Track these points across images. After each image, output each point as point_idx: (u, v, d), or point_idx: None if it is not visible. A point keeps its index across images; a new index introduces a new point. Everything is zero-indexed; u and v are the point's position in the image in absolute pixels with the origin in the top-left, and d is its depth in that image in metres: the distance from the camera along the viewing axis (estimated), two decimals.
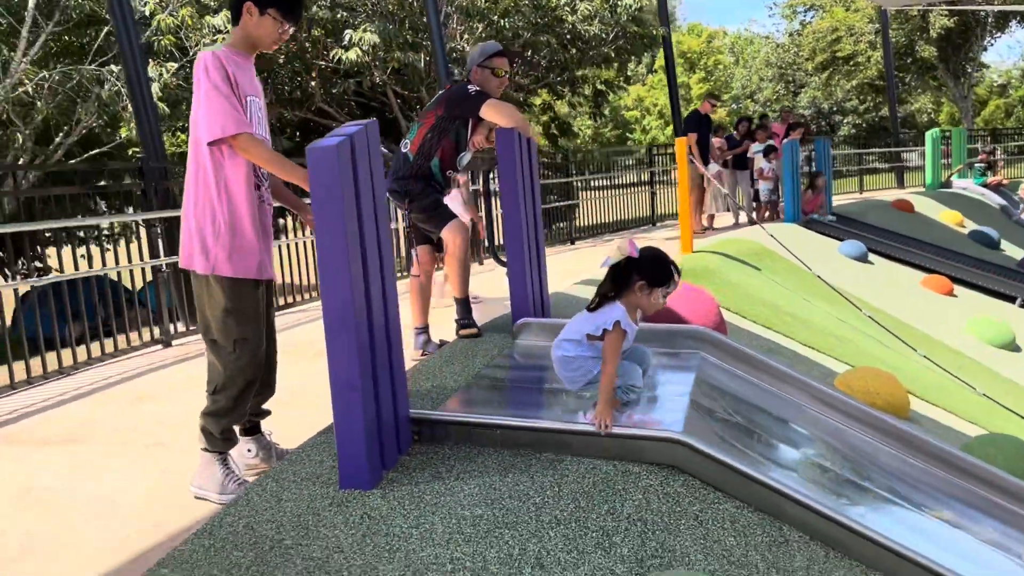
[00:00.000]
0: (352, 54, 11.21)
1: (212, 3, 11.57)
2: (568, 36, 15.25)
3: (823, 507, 2.56)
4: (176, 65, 11.07)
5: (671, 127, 22.00)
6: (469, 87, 4.35)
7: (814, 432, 3.63)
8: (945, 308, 9.13)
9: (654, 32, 16.29)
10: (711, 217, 12.05)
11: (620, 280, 3.02)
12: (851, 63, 32.02)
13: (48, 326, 5.21)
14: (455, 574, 2.09)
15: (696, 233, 11.13)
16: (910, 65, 31.91)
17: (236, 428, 3.00)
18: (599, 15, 15.51)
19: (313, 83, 13.54)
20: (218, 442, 2.89)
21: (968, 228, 13.48)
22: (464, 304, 4.48)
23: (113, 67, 11.13)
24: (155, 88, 10.58)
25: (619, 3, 15.62)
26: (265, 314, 2.95)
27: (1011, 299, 9.93)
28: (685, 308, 4.96)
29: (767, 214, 12.07)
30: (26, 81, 11.09)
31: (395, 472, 2.63)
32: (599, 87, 17.66)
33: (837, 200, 14.83)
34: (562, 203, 12.40)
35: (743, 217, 12.10)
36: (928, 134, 16.69)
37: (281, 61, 13.28)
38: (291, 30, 2.89)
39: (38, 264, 9.66)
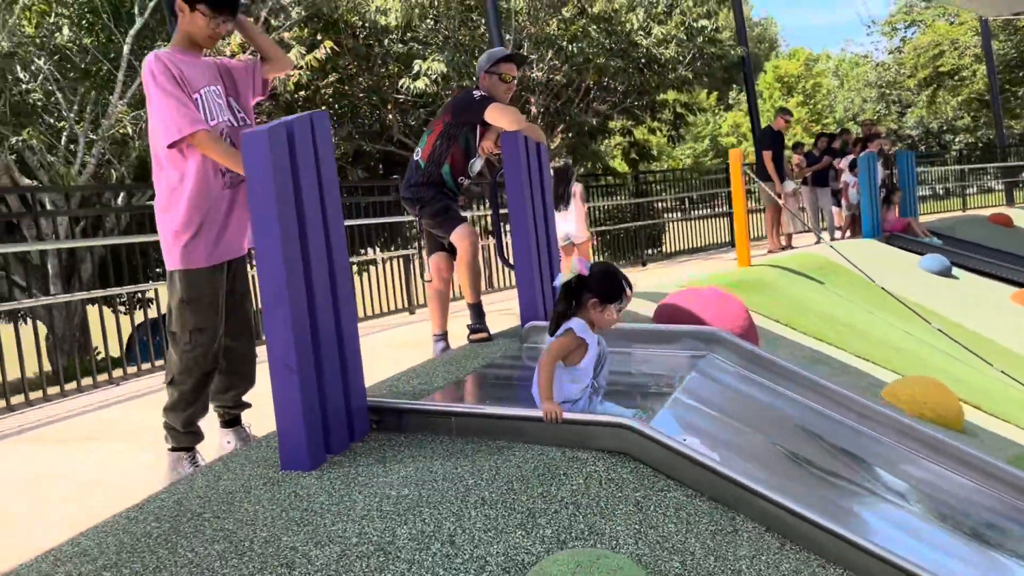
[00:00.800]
0: (420, 83, 11.48)
1: (292, 42, 12.09)
2: (643, 60, 15.18)
3: (775, 495, 2.40)
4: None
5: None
6: (474, 92, 4.38)
7: (810, 429, 3.44)
8: None
9: (732, 52, 16.05)
10: (789, 236, 11.67)
11: (573, 299, 2.99)
12: (956, 78, 30.57)
13: None
14: (359, 546, 2.06)
15: (772, 252, 10.80)
16: (1023, 78, 30.22)
17: (206, 423, 3.06)
18: (675, 38, 15.39)
19: (390, 116, 13.92)
20: (182, 437, 2.95)
21: None
22: (476, 309, 4.47)
23: None
24: None
25: (694, 25, 15.48)
26: (235, 305, 3.02)
27: None
28: (710, 313, 4.79)
29: (848, 233, 11.62)
30: (123, 120, 11.85)
31: (342, 456, 2.63)
32: (679, 110, 17.48)
33: (937, 218, 14.13)
34: (631, 224, 12.28)
35: (826, 236, 11.67)
36: None
37: (360, 95, 13.74)
38: (227, 24, 2.93)
39: None
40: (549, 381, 2.73)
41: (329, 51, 11.43)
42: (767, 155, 10.99)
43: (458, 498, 2.31)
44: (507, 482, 2.41)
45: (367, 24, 12.39)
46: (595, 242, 8.41)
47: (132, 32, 11.56)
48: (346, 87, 13.49)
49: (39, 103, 12.44)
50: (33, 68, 12.17)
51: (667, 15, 15.77)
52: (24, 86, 12.41)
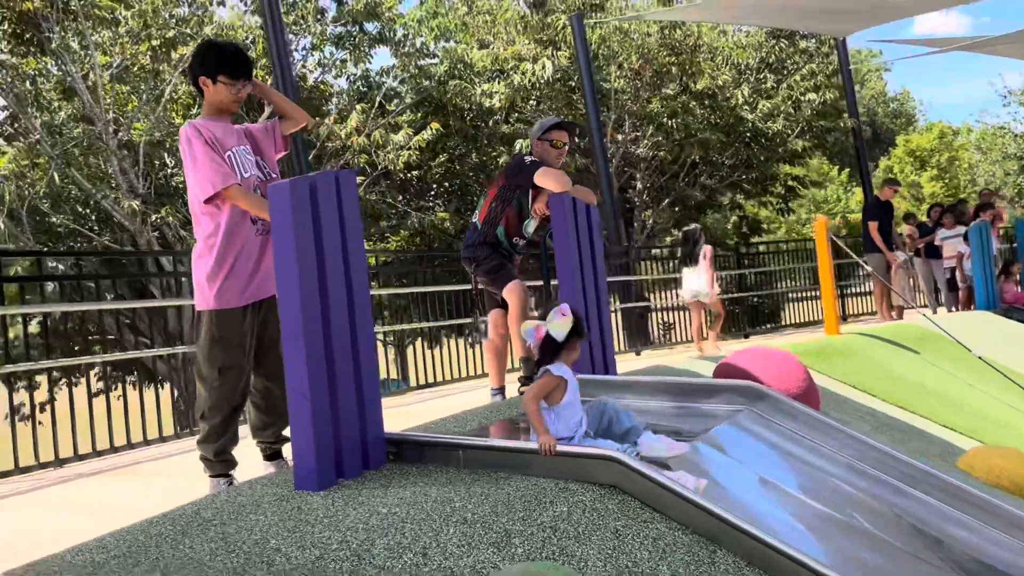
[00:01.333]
0: None
1: (401, 124, 12.91)
2: (748, 135, 15.21)
3: (756, 530, 2.42)
4: (367, 179, 12.37)
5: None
6: (526, 158, 4.66)
7: (842, 486, 3.37)
8: None
9: (843, 124, 15.86)
10: (900, 309, 11.24)
11: (556, 347, 3.05)
12: None
13: None
14: (337, 551, 2.25)
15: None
16: None
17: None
18: (783, 112, 15.36)
19: None
20: (216, 465, 3.23)
21: None
22: (527, 362, 4.64)
23: None
24: None
25: (802, 99, 15.42)
26: (269, 347, 3.29)
27: None
28: (764, 371, 4.76)
29: (961, 306, 11.12)
30: None
31: (352, 480, 2.84)
32: (790, 183, 17.28)
33: None
34: (735, 294, 12.13)
35: (929, 310, 11.21)
36: None
37: (469, 173, 14.39)
38: (248, 86, 3.31)
39: None
40: (537, 416, 2.85)
41: (436, 132, 12.11)
42: (873, 226, 10.78)
43: (441, 517, 2.46)
44: (492, 506, 2.54)
45: (473, 107, 13.06)
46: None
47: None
48: (456, 166, 14.18)
49: (180, 185, 13.71)
50: (178, 155, 13.49)
51: (775, 89, 15.81)
52: (168, 170, 13.73)
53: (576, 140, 12.31)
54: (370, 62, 13.52)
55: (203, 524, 2.47)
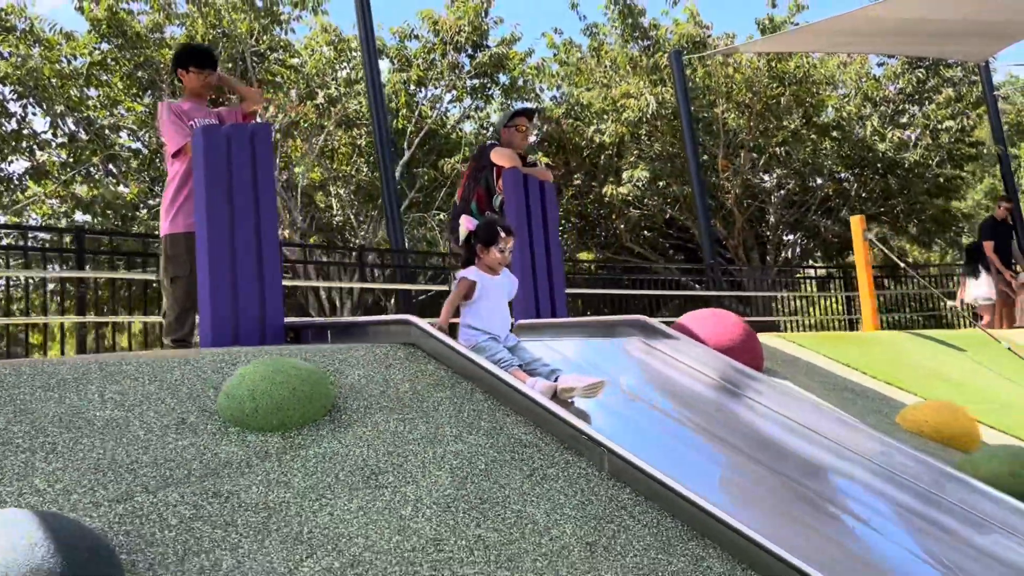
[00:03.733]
0: (623, 188, 12.68)
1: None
2: (879, 165, 14.95)
3: (508, 378, 3.13)
4: None
5: None
6: (489, 143, 5.54)
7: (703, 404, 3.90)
8: None
9: (987, 152, 15.21)
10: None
11: (469, 250, 3.79)
12: None
13: None
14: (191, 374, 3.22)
15: None
16: None
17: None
18: (917, 141, 15.02)
19: (620, 226, 15.18)
20: (175, 349, 4.33)
21: None
22: None
23: None
24: None
25: (940, 127, 15.01)
26: None
27: None
28: (701, 327, 5.23)
29: None
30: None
31: (249, 348, 3.80)
32: (937, 216, 16.58)
33: None
34: None
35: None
36: None
37: (590, 207, 15.23)
38: (213, 75, 4.47)
39: None
40: (445, 308, 3.57)
41: (561, 169, 13.17)
42: (988, 246, 10.54)
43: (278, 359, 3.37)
44: (315, 353, 3.43)
45: (587, 144, 13.99)
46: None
47: (401, 163, 14.31)
48: (578, 202, 15.10)
49: (337, 222, 15.66)
50: (334, 194, 15.48)
51: (913, 119, 15.48)
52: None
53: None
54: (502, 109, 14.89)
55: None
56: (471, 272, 3.68)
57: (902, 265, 8.95)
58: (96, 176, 13.97)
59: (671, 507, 2.64)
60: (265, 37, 13.71)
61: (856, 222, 7.68)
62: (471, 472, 2.67)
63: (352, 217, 15.35)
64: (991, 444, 4.28)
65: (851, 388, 5.53)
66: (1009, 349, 6.58)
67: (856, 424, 3.98)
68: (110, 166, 13.95)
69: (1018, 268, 10.68)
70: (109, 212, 13.40)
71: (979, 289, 10.20)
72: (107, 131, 13.83)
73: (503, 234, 3.73)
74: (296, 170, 14.41)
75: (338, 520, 2.34)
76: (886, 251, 8.57)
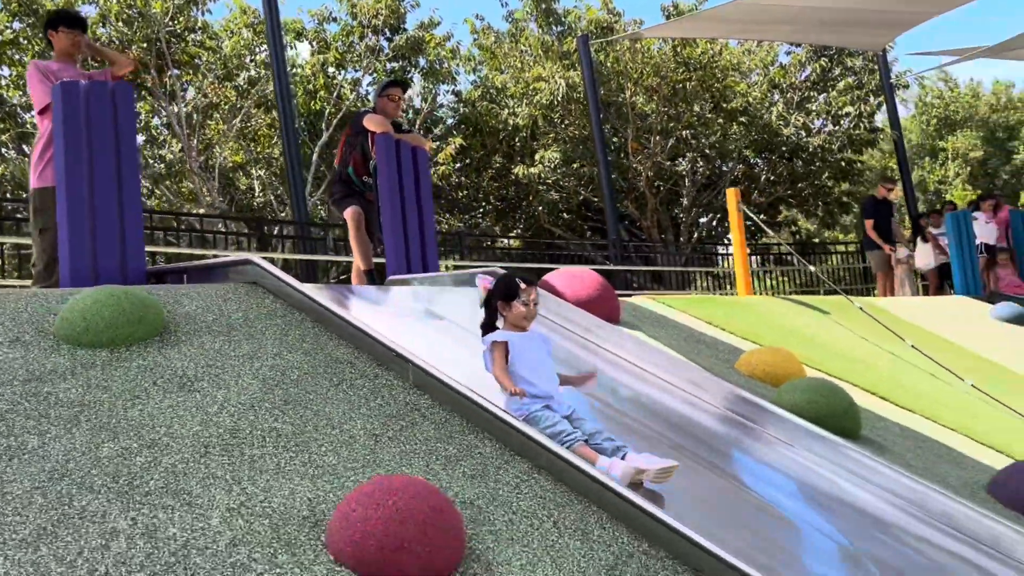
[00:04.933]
0: (535, 169, 13.08)
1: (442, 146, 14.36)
2: (784, 149, 15.60)
3: (353, 320, 3.44)
4: None
5: None
6: (364, 110, 5.84)
7: None
8: None
9: (881, 138, 15.97)
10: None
11: (490, 311, 3.39)
12: None
13: None
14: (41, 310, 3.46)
15: None
16: None
17: None
18: (817, 127, 15.68)
19: (539, 209, 15.59)
20: None
21: None
22: (369, 275, 5.74)
23: None
24: None
25: (840, 113, 15.70)
26: None
27: None
28: (564, 284, 5.62)
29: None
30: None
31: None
32: (843, 200, 17.37)
33: None
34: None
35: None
36: None
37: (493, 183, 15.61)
38: (81, 37, 4.69)
39: None
40: (502, 377, 3.15)
41: (458, 147, 13.51)
42: (869, 224, 11.26)
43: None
44: (167, 291, 3.69)
45: (503, 126, 14.36)
46: None
47: (319, 144, 14.49)
48: (498, 184, 15.45)
49: (259, 203, 15.77)
50: (255, 176, 15.58)
51: (817, 105, 16.15)
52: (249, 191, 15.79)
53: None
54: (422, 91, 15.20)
55: None
56: (498, 335, 3.28)
57: (771, 234, 9.48)
58: (7, 155, 13.85)
59: (459, 408, 3.00)
60: (181, 17, 13.74)
61: (731, 194, 8.18)
62: (282, 380, 2.99)
63: (273, 199, 15.47)
64: (799, 379, 4.72)
65: (704, 341, 5.98)
66: (861, 309, 7.12)
67: (691, 367, 4.41)
68: (23, 145, 13.84)
69: (898, 244, 11.37)
70: (21, 191, 13.32)
71: (923, 259, 11.72)
72: (19, 109, 13.72)
73: (523, 285, 3.35)
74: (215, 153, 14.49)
75: (146, 415, 2.64)
76: (758, 221, 9.08)
